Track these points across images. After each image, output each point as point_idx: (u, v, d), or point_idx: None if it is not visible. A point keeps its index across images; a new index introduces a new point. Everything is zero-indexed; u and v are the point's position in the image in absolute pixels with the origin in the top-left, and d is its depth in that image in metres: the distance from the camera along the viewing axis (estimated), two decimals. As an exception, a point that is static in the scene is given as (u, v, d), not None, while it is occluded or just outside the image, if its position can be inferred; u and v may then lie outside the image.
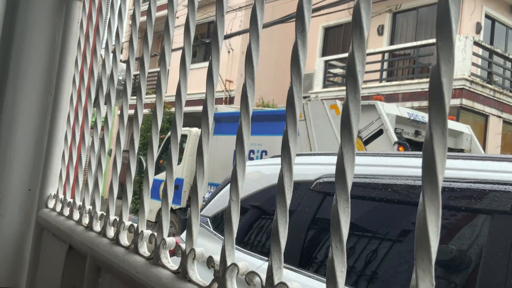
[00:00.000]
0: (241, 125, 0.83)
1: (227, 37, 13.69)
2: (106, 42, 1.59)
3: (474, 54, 11.70)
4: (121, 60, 1.82)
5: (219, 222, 3.31)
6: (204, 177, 0.94)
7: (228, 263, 0.80)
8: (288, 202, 0.71)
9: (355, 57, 0.60)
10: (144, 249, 1.12)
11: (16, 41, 2.00)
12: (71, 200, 1.63)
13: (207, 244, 2.98)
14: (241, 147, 0.82)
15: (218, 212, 3.35)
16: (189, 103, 7.21)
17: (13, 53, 2.01)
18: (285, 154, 0.71)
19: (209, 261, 0.85)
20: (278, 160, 3.31)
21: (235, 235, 0.82)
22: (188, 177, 9.56)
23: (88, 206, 1.48)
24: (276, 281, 0.70)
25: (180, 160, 9.74)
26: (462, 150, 7.80)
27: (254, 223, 3.05)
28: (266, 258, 2.69)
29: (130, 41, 1.41)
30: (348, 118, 0.60)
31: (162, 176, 9.04)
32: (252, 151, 8.09)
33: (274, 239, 0.72)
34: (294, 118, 0.72)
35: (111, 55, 1.59)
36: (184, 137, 9.80)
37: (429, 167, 0.48)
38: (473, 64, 11.76)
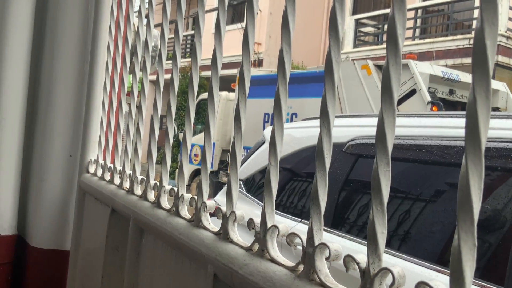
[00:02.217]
0: (278, 91, 0.84)
1: (255, -3, 13.43)
2: (139, 8, 1.60)
3: (511, 8, 11.22)
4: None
5: (251, 185, 3.36)
6: (241, 142, 0.96)
7: (269, 225, 0.82)
8: (327, 166, 0.72)
9: (396, 19, 0.60)
10: (185, 212, 1.16)
11: (51, 9, 2.03)
12: (112, 165, 1.68)
13: (240, 206, 3.03)
14: (279, 112, 0.83)
15: (250, 175, 3.39)
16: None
17: (48, 22, 2.05)
18: (324, 119, 0.72)
19: (250, 223, 0.87)
20: (309, 123, 3.32)
21: (274, 198, 0.84)
22: (219, 140, 9.64)
23: (128, 171, 1.53)
24: (316, 242, 0.72)
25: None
26: (497, 109, 7.59)
27: (285, 186, 3.08)
28: (299, 219, 2.73)
29: (164, 6, 1.41)
30: (388, 83, 0.60)
31: (193, 140, 9.14)
32: (282, 114, 8.05)
33: (314, 202, 0.73)
34: (333, 83, 0.72)
35: (144, 21, 1.60)
36: (213, 101, 9.82)
37: (472, 130, 0.49)
38: (510, 19, 11.28)
